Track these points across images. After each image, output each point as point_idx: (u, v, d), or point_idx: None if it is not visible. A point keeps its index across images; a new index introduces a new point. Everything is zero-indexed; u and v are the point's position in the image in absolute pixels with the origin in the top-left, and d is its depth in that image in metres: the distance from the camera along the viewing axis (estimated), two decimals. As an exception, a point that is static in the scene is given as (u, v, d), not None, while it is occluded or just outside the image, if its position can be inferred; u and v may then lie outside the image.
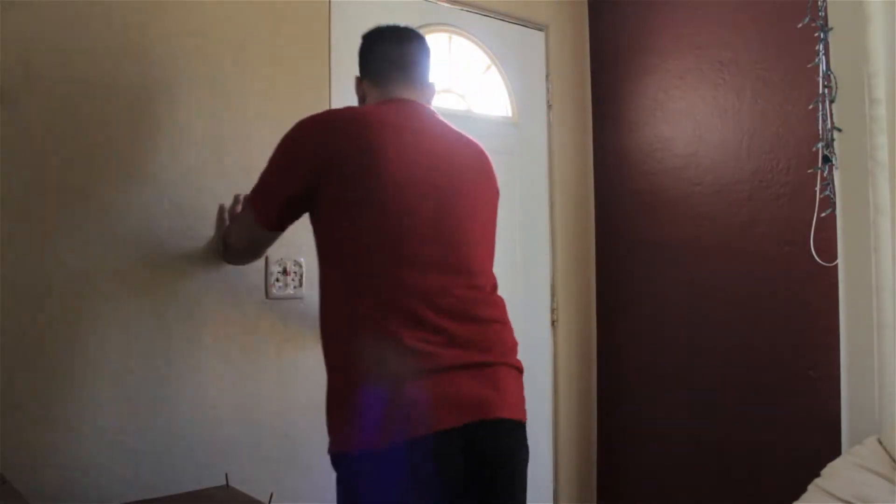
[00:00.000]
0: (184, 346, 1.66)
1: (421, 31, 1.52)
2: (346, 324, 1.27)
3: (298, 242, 1.76)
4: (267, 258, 1.78)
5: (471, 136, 1.47)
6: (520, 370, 1.35)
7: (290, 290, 1.83)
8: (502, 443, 1.27)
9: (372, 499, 1.19)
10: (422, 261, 1.26)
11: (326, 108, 1.89)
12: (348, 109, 1.39)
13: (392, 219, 1.26)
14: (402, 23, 1.50)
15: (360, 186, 1.26)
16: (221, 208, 1.71)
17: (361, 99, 1.50)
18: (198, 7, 1.71)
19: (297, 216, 1.40)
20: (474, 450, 1.22)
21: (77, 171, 1.54)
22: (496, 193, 1.47)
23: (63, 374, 1.50)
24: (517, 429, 1.31)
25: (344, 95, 1.92)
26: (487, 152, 1.48)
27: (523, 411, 1.33)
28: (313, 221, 1.35)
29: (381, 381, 1.19)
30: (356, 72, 1.51)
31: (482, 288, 1.34)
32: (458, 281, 1.28)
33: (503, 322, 1.36)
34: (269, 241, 1.53)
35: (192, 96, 1.70)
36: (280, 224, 1.41)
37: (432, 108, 1.46)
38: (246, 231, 1.51)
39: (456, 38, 2.28)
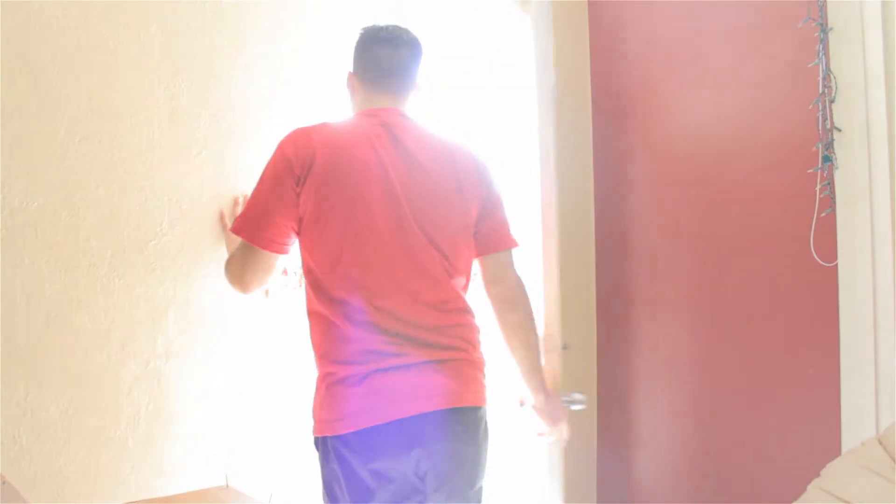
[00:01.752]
0: (183, 345, 1.66)
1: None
2: (325, 328, 1.37)
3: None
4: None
5: (459, 142, 1.51)
6: (482, 362, 1.50)
7: (290, 290, 1.83)
8: (463, 426, 1.43)
9: (352, 475, 1.33)
10: (387, 277, 1.36)
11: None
12: (324, 126, 1.44)
13: (359, 237, 1.35)
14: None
15: (329, 203, 1.34)
16: (222, 213, 1.71)
17: (352, 93, 1.56)
18: (199, 5, 1.72)
19: (289, 232, 1.41)
20: (445, 431, 1.38)
21: (78, 172, 1.54)
22: (480, 200, 1.50)
23: (62, 374, 1.50)
24: (477, 412, 1.46)
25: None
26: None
27: (484, 398, 1.49)
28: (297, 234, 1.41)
29: (358, 376, 1.34)
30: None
31: (448, 300, 1.45)
32: (426, 296, 1.40)
33: (468, 325, 1.49)
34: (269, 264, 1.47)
35: (193, 92, 1.70)
36: (281, 245, 1.42)
37: (410, 114, 1.51)
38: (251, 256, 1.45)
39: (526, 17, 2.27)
